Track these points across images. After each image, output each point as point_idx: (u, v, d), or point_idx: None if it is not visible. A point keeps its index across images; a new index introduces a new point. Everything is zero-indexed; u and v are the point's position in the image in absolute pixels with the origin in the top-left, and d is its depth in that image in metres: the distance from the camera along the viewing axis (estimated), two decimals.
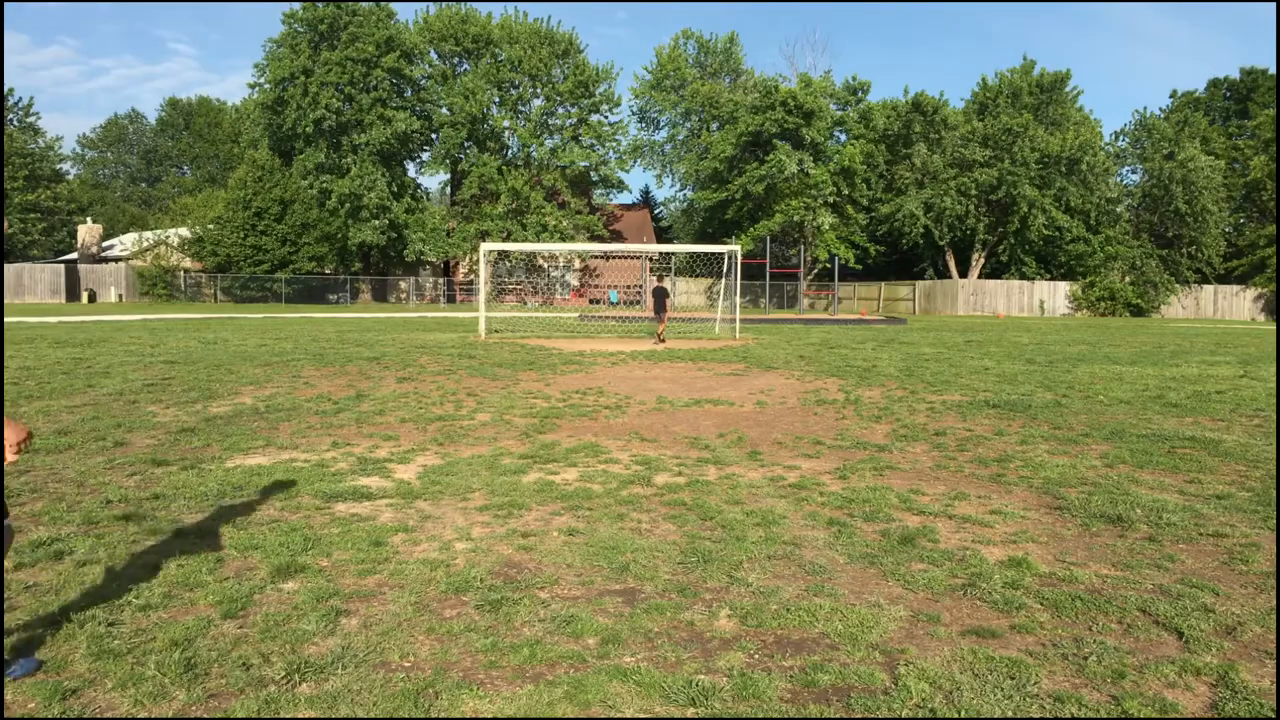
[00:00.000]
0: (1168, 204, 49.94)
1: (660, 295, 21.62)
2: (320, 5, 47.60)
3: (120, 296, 45.49)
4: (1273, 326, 37.74)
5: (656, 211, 70.94)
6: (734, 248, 25.81)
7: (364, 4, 48.45)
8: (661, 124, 57.85)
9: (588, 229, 50.86)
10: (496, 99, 51.53)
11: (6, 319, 24.93)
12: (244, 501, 5.54)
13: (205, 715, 2.91)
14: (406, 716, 2.92)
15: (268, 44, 49.79)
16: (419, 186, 54.18)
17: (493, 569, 4.37)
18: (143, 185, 77.82)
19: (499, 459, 6.96)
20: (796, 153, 47.92)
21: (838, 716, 2.97)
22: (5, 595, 3.89)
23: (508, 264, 51.63)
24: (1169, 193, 49.62)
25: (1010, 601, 3.96)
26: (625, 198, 58.57)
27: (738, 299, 26.04)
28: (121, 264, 47.18)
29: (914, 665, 3.29)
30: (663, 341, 20.21)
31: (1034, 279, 51.03)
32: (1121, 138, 55.58)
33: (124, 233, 58.54)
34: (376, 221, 48.08)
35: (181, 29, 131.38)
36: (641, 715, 2.96)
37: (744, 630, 3.66)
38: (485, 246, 24.59)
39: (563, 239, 48.67)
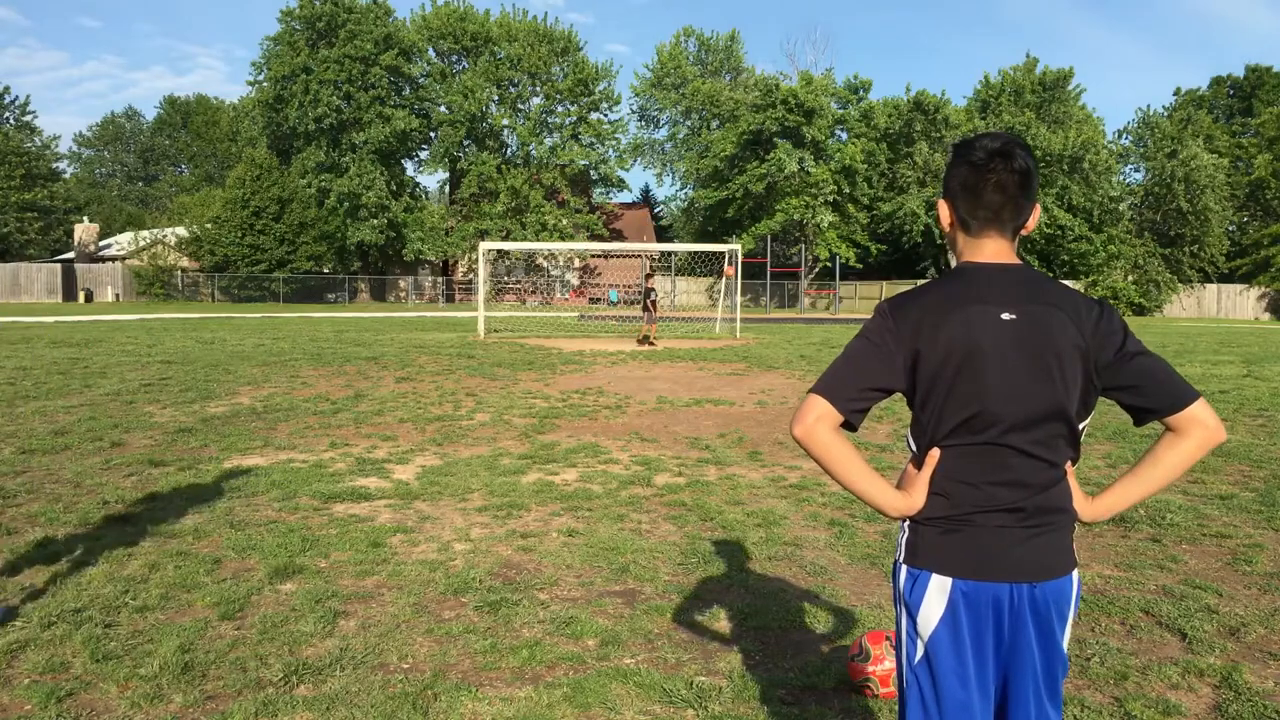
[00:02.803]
0: (1170, 203, 49.90)
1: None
2: (317, 3, 47.54)
3: (117, 296, 45.45)
4: (1277, 326, 37.72)
5: (656, 210, 70.89)
6: (734, 247, 25.78)
7: (361, 0, 48.39)
8: (662, 122, 57.80)
9: (587, 228, 50.81)
10: (495, 97, 51.45)
11: (2, 319, 24.93)
12: (242, 502, 5.52)
13: (202, 717, 2.89)
14: (405, 719, 2.90)
15: (264, 42, 49.76)
16: (418, 185, 54.12)
17: (492, 570, 4.35)
18: (140, 184, 77.71)
19: (498, 459, 6.94)
20: (797, 151, 47.86)
21: (838, 718, 2.95)
22: (1, 597, 3.87)
23: (507, 263, 51.56)
24: (1171, 191, 49.57)
25: None
26: (625, 196, 58.55)
27: (738, 298, 26.01)
28: (118, 263, 47.12)
29: None
30: (652, 343, 19.81)
31: None
32: (1124, 136, 55.54)
33: (121, 232, 58.44)
34: (375, 221, 48.03)
35: (158, 20, 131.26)
36: (642, 717, 2.94)
37: (744, 631, 3.64)
38: (484, 245, 24.53)
39: (562, 238, 48.61)
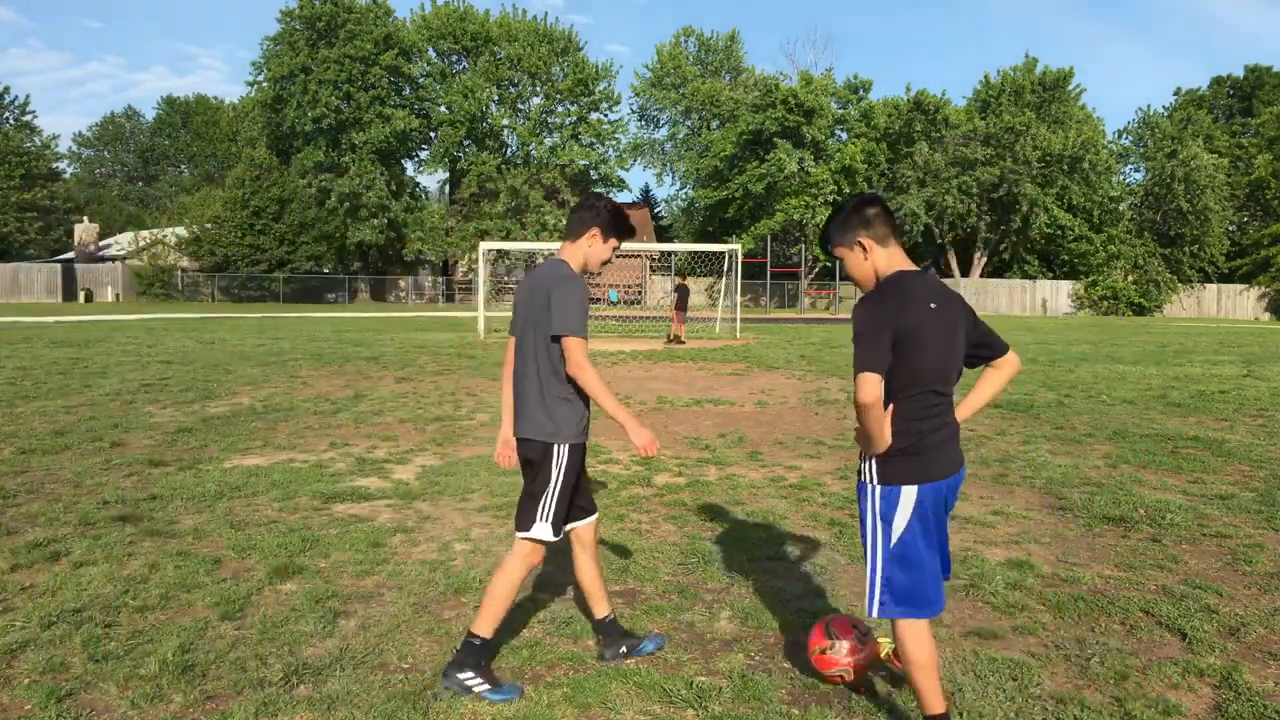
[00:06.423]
0: (1170, 202, 49.86)
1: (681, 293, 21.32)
2: (317, 3, 47.53)
3: (117, 296, 45.44)
4: (1277, 326, 37.68)
5: (656, 210, 70.89)
6: (734, 247, 25.79)
7: (361, 0, 48.37)
8: (662, 122, 57.88)
9: None
10: (495, 97, 51.45)
11: (2, 319, 24.93)
12: (242, 502, 5.51)
13: (203, 717, 2.89)
14: (405, 719, 2.90)
15: (264, 42, 49.74)
16: (418, 185, 54.12)
17: (492, 570, 4.34)
18: (140, 184, 77.67)
19: None
20: (797, 151, 47.87)
21: (839, 718, 2.94)
22: (1, 597, 3.87)
23: (507, 263, 51.52)
24: (1171, 191, 49.52)
25: (1012, 602, 3.94)
26: (625, 197, 58.56)
27: (738, 298, 26.01)
28: (118, 263, 47.13)
29: None
30: (682, 341, 19.93)
31: (1036, 278, 50.97)
32: (1124, 136, 55.48)
33: (121, 232, 58.41)
34: (375, 221, 48.02)
35: (157, 19, 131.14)
36: (642, 717, 2.94)
37: (744, 631, 3.64)
38: (484, 245, 24.53)
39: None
